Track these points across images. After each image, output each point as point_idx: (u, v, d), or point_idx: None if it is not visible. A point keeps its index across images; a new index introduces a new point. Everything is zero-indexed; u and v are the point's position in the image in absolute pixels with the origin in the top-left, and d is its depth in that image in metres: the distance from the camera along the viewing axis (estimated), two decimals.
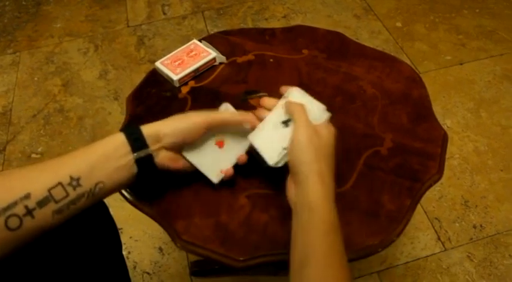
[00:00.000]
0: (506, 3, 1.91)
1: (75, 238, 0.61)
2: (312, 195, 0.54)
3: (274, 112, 0.65)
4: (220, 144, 0.68)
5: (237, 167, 0.68)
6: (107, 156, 0.56)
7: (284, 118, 0.64)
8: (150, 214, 0.67)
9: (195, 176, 0.68)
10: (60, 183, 0.52)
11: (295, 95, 0.66)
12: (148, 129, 0.60)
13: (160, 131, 0.60)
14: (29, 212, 0.49)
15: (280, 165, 0.62)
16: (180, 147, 0.64)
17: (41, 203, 0.50)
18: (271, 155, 0.62)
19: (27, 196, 0.49)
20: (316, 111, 0.64)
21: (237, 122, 0.66)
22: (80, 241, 0.62)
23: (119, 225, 0.76)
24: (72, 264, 0.60)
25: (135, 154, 0.57)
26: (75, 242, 0.61)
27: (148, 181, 0.62)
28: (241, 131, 0.66)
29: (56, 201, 0.51)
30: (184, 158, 0.65)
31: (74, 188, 0.53)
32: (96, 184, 0.55)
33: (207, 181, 0.68)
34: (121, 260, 0.76)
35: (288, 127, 0.63)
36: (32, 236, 0.51)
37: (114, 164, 0.56)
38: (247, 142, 0.66)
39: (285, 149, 0.61)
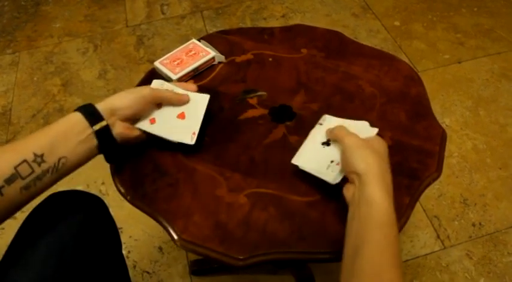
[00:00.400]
0: (504, 1, 1.91)
1: (75, 238, 0.61)
2: (372, 190, 0.55)
3: (310, 137, 0.70)
4: (182, 116, 0.73)
5: (239, 167, 0.69)
6: (66, 133, 0.60)
7: (323, 139, 0.69)
8: (150, 213, 0.67)
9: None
10: (25, 161, 0.55)
11: (331, 119, 0.71)
12: (102, 105, 0.64)
13: (113, 105, 0.65)
14: None
15: (338, 180, 0.64)
16: (131, 117, 0.68)
17: (9, 181, 0.53)
18: (331, 175, 0.64)
19: None
20: (362, 128, 0.67)
21: (178, 101, 0.73)
22: (80, 240, 0.62)
23: (118, 225, 0.76)
24: (72, 263, 0.60)
25: (93, 127, 0.62)
26: (75, 241, 0.61)
27: (110, 153, 0.67)
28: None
29: (23, 178, 0.55)
30: (155, 136, 0.70)
31: (39, 164, 0.56)
32: (59, 159, 0.58)
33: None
34: (121, 259, 0.77)
35: (330, 146, 0.67)
36: (3, 214, 0.55)
37: (74, 139, 0.60)
38: (203, 105, 0.73)
39: (333, 162, 0.65)
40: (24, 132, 1.48)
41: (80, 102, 1.58)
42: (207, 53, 0.88)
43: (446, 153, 1.20)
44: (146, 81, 0.87)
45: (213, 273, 1.15)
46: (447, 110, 1.51)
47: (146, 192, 0.69)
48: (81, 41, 1.82)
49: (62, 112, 1.55)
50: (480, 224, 1.24)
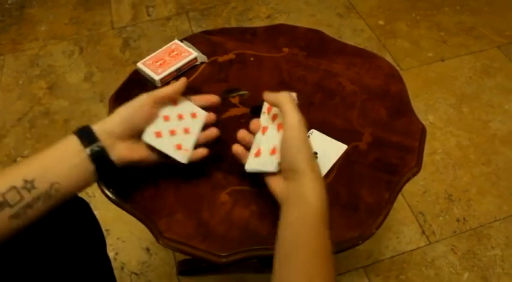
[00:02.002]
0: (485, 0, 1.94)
1: (57, 237, 0.61)
2: (309, 190, 0.55)
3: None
4: (187, 131, 0.67)
5: (221, 165, 0.70)
6: (59, 157, 0.56)
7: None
8: (133, 213, 0.67)
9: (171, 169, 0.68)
10: (14, 187, 0.51)
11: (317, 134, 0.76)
12: (98, 126, 0.59)
13: (109, 122, 0.60)
14: None
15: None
16: (133, 132, 0.62)
17: None
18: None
19: None
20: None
21: (177, 92, 0.66)
22: (62, 240, 0.62)
23: (106, 227, 0.77)
24: (54, 264, 0.60)
25: (87, 149, 0.57)
26: (57, 241, 0.61)
27: (109, 177, 0.61)
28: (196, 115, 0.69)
29: (11, 206, 0.51)
30: (149, 145, 0.64)
31: (29, 191, 0.52)
32: (52, 185, 0.54)
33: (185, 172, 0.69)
34: (106, 260, 0.77)
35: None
36: None
37: (68, 163, 0.56)
38: (201, 120, 0.69)
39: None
40: (9, 135, 1.47)
41: (67, 105, 1.57)
42: (189, 53, 0.88)
43: (430, 150, 1.21)
44: (129, 82, 0.88)
45: (200, 273, 1.15)
46: (431, 108, 1.53)
47: (129, 192, 0.69)
48: (67, 44, 1.82)
49: (47, 115, 1.54)
50: (464, 219, 1.26)
